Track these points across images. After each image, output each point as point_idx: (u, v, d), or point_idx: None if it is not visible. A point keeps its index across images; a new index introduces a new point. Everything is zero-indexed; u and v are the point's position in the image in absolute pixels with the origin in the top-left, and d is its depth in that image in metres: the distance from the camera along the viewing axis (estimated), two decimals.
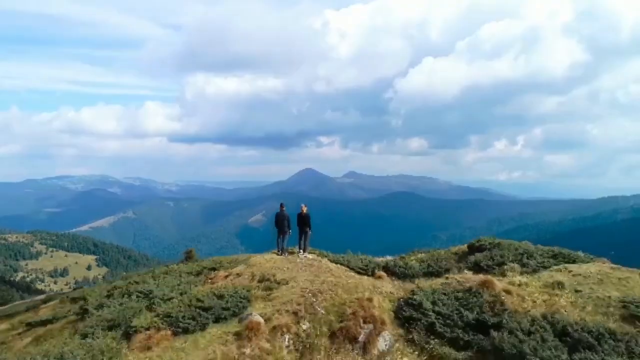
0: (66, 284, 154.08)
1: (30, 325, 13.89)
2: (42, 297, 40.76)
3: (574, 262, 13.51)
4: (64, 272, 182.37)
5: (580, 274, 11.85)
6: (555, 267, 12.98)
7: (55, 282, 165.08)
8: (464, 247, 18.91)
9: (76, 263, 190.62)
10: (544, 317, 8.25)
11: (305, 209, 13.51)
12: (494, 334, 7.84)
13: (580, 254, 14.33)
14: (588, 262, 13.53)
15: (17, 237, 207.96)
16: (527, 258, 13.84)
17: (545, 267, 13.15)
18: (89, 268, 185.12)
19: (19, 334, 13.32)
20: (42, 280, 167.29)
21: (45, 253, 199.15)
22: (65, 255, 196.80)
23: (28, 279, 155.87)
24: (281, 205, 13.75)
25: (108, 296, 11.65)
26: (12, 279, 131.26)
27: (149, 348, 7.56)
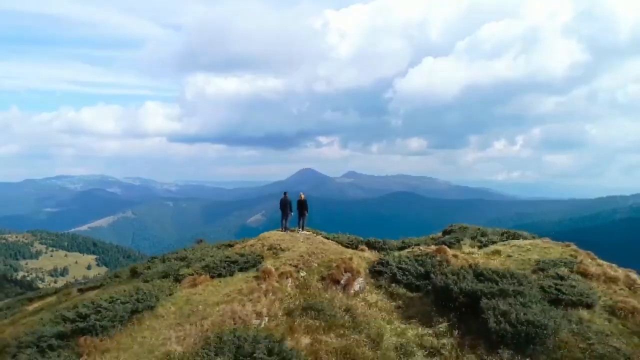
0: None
1: (81, 291, 17.38)
2: (59, 286, 44.18)
3: (518, 239, 17.12)
4: (64, 272, 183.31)
5: (516, 246, 15.47)
6: (501, 242, 16.59)
7: (55, 282, 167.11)
8: (440, 233, 22.52)
9: (76, 262, 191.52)
10: (470, 266, 11.85)
11: (303, 196, 17.29)
12: (433, 276, 11.41)
13: (525, 233, 17.95)
14: (530, 239, 17.14)
15: (17, 237, 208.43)
16: (481, 236, 17.45)
17: (494, 243, 16.76)
18: (88, 268, 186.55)
19: (75, 296, 16.76)
20: (43, 280, 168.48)
21: (45, 252, 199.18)
22: (65, 255, 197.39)
23: (28, 278, 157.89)
24: (285, 193, 17.56)
25: (151, 262, 15.22)
26: (13, 278, 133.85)
27: (194, 285, 11.14)
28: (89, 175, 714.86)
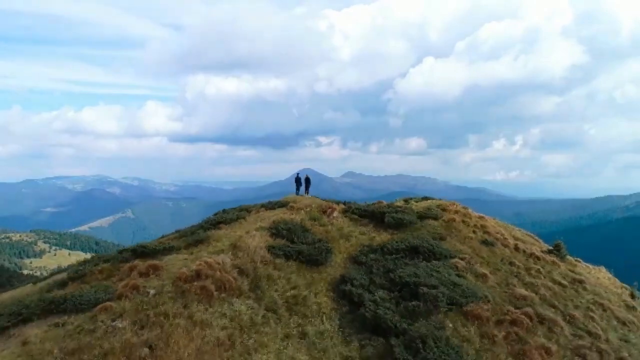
0: None
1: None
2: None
3: (427, 200, 30.80)
4: None
5: (423, 202, 29.20)
6: (419, 201, 30.25)
7: None
8: None
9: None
10: (388, 205, 25.41)
11: (308, 176, 31.27)
12: (372, 207, 24.98)
13: (434, 198, 31.58)
14: (434, 200, 30.74)
15: (20, 236, 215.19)
16: (410, 199, 31.15)
17: (415, 202, 30.39)
18: None
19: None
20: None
21: (49, 251, 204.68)
22: (69, 254, 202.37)
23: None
24: (297, 174, 31.50)
25: (224, 212, 28.80)
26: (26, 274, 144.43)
27: (258, 212, 24.71)
28: (88, 176, 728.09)
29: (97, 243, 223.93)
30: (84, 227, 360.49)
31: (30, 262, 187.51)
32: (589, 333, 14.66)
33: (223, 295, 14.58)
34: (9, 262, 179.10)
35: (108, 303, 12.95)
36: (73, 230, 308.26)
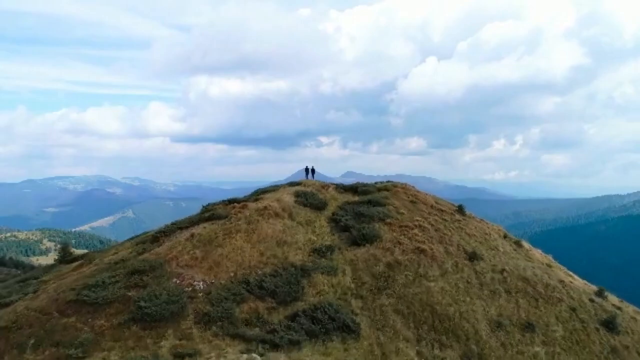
0: None
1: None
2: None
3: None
4: None
5: (386, 183, 48.15)
6: (380, 183, 49.19)
7: None
8: None
9: None
10: (361, 183, 44.28)
11: (313, 167, 50.43)
12: (351, 185, 43.68)
13: (394, 181, 50.44)
14: (397, 183, 49.63)
15: (26, 235, 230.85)
16: (377, 182, 50.12)
17: (381, 182, 49.29)
18: None
19: None
20: None
21: (55, 249, 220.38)
22: (74, 252, 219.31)
23: None
24: (306, 166, 50.65)
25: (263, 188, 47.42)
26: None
27: (285, 187, 43.51)
28: (89, 176, 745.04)
29: (100, 242, 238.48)
30: (84, 227, 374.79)
31: (37, 260, 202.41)
32: (443, 233, 33.71)
33: (277, 217, 33.48)
34: (16, 259, 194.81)
35: (232, 215, 31.98)
36: (74, 230, 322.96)
